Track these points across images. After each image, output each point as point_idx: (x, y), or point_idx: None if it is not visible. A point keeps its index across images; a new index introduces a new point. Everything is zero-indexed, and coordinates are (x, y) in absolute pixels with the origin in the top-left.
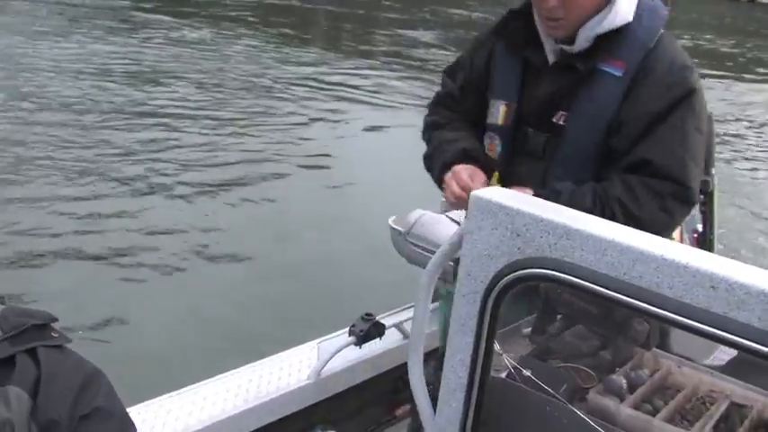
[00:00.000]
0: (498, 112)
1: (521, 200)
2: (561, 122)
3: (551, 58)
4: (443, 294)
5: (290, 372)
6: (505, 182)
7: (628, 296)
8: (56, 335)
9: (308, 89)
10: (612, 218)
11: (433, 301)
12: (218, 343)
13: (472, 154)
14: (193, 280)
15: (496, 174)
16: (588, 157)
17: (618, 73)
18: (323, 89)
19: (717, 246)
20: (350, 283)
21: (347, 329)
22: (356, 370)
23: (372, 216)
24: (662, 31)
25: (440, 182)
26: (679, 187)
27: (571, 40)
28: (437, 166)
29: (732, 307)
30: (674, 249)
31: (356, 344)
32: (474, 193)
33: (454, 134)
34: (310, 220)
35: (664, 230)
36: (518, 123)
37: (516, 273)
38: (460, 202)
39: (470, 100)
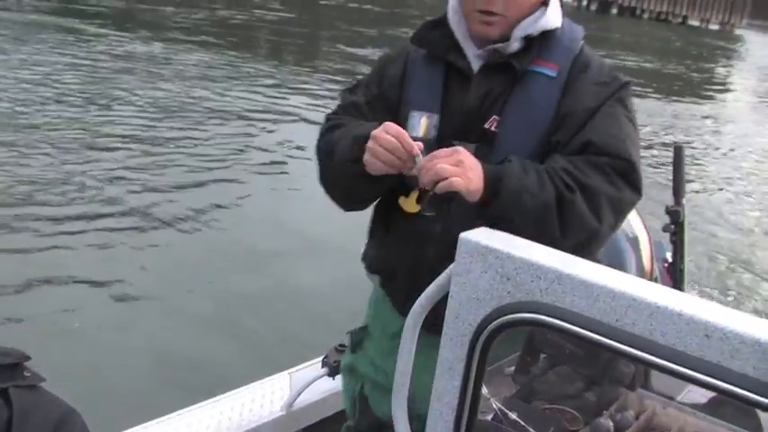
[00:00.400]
0: (419, 125)
1: (511, 243)
2: (493, 128)
3: (476, 64)
4: (345, 366)
5: (261, 403)
6: (431, 198)
7: (620, 343)
8: (28, 374)
9: (260, 105)
10: (564, 188)
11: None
12: (188, 376)
13: None
14: (160, 311)
15: (416, 192)
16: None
17: (552, 73)
18: (275, 105)
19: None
20: (323, 312)
21: (320, 360)
22: (329, 401)
23: (345, 242)
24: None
25: (354, 158)
26: (622, 161)
27: (503, 40)
28: (346, 142)
29: (726, 356)
30: (668, 296)
31: (329, 375)
32: (463, 235)
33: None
34: (278, 246)
35: (616, 208)
36: (440, 135)
37: (506, 317)
38: (390, 157)
39: (380, 115)
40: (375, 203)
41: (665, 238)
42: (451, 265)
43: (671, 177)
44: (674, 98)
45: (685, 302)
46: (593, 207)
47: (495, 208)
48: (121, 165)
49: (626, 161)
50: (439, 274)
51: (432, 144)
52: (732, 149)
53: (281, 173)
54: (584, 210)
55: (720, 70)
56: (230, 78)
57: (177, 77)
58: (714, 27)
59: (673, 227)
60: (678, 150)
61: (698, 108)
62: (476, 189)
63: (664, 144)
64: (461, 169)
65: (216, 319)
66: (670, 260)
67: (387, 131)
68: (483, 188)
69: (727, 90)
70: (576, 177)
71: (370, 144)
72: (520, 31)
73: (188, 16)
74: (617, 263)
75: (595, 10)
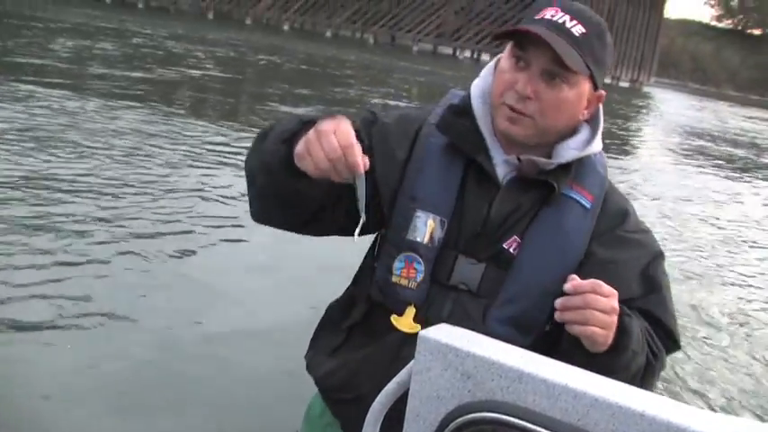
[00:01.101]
0: (424, 228)
1: (472, 341)
2: (512, 250)
3: (502, 170)
4: None
5: None
6: (425, 322)
7: None
8: None
9: (201, 161)
10: (651, 353)
11: None
12: None
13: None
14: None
15: (412, 309)
16: (545, 293)
17: (587, 204)
18: (215, 161)
19: None
20: (271, 402)
21: None
22: None
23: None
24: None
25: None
26: (676, 346)
27: (528, 145)
28: (289, 121)
29: None
30: (630, 396)
31: None
32: (422, 333)
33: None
34: (217, 318)
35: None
36: (444, 245)
37: (467, 416)
38: (325, 162)
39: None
40: (329, 313)
41: None
42: (411, 363)
43: None
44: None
45: (647, 402)
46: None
47: (608, 361)
48: (67, 216)
49: (678, 346)
50: None
51: (434, 253)
52: (657, 198)
53: (238, 225)
54: (656, 378)
55: (637, 125)
56: (165, 134)
57: (115, 133)
58: (624, 84)
59: None
60: None
61: (626, 162)
62: (607, 343)
63: None
64: (611, 320)
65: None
66: None
67: (336, 132)
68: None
69: (647, 144)
70: (657, 345)
71: (310, 135)
72: (566, 152)
73: (125, 75)
74: None
75: None
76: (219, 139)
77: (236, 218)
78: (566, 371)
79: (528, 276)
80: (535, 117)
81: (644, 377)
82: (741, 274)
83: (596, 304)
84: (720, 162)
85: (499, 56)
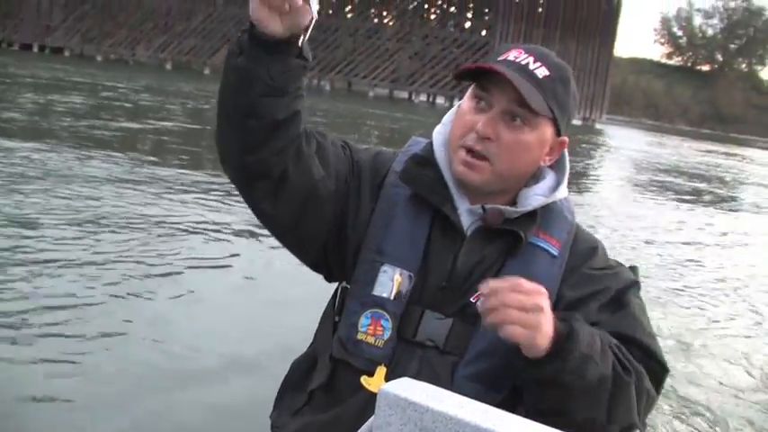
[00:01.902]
0: (390, 283)
1: (431, 396)
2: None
3: (466, 220)
4: None
5: None
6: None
7: None
8: None
9: (166, 213)
10: (619, 365)
11: None
12: None
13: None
14: None
15: (383, 369)
16: (514, 349)
17: (554, 252)
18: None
19: None
20: None
21: None
22: None
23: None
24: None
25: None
26: (660, 367)
27: (485, 193)
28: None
29: None
30: None
31: None
32: (383, 387)
33: None
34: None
35: (648, 410)
36: (410, 300)
37: None
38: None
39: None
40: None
41: None
42: (371, 419)
43: None
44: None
45: None
46: (638, 399)
47: (552, 369)
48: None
49: (663, 367)
50: None
51: (401, 309)
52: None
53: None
54: (632, 397)
55: (594, 162)
56: (140, 185)
57: (88, 185)
58: (577, 122)
59: None
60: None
61: (588, 197)
62: (541, 345)
63: None
64: (535, 318)
65: None
66: None
67: None
68: (549, 346)
69: (606, 179)
70: (629, 360)
71: None
72: (531, 199)
73: (96, 127)
74: None
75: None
76: (206, 185)
77: (224, 257)
78: (525, 426)
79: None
80: (492, 160)
81: (614, 393)
82: (691, 296)
83: (513, 302)
84: (683, 196)
85: (459, 102)
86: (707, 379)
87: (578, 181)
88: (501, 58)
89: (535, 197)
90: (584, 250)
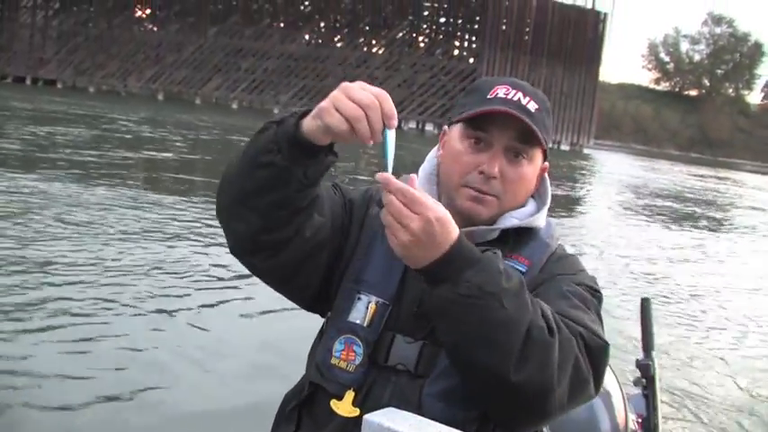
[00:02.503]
0: (364, 310)
1: (414, 425)
2: None
3: None
4: None
5: None
6: (364, 406)
7: None
8: None
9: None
10: (545, 323)
11: None
12: None
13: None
14: None
15: (351, 393)
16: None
17: (522, 268)
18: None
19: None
20: None
21: None
22: None
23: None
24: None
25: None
26: (599, 341)
27: (486, 223)
28: (271, 131)
29: None
30: None
31: None
32: (367, 417)
33: None
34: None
35: (574, 389)
36: (384, 326)
37: None
38: (358, 112)
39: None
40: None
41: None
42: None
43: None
44: (553, 215)
45: None
46: (561, 367)
47: (441, 293)
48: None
49: (604, 343)
50: None
51: (374, 335)
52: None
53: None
54: (551, 358)
55: (584, 186)
56: (140, 208)
57: (89, 210)
58: (565, 148)
59: (644, 381)
60: (645, 303)
61: (577, 220)
62: (420, 257)
63: None
64: (413, 226)
65: None
66: (644, 414)
67: (364, 87)
68: (435, 263)
69: (595, 203)
70: (560, 326)
71: (335, 93)
72: (509, 222)
73: (95, 157)
74: (589, 418)
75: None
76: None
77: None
78: None
79: None
80: (500, 196)
81: (528, 346)
82: (680, 316)
83: (392, 209)
84: (676, 217)
85: (441, 141)
86: (696, 389)
87: (570, 205)
88: (491, 95)
89: (510, 219)
90: (555, 259)
